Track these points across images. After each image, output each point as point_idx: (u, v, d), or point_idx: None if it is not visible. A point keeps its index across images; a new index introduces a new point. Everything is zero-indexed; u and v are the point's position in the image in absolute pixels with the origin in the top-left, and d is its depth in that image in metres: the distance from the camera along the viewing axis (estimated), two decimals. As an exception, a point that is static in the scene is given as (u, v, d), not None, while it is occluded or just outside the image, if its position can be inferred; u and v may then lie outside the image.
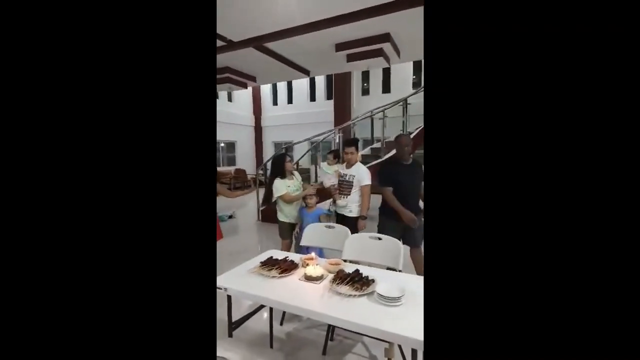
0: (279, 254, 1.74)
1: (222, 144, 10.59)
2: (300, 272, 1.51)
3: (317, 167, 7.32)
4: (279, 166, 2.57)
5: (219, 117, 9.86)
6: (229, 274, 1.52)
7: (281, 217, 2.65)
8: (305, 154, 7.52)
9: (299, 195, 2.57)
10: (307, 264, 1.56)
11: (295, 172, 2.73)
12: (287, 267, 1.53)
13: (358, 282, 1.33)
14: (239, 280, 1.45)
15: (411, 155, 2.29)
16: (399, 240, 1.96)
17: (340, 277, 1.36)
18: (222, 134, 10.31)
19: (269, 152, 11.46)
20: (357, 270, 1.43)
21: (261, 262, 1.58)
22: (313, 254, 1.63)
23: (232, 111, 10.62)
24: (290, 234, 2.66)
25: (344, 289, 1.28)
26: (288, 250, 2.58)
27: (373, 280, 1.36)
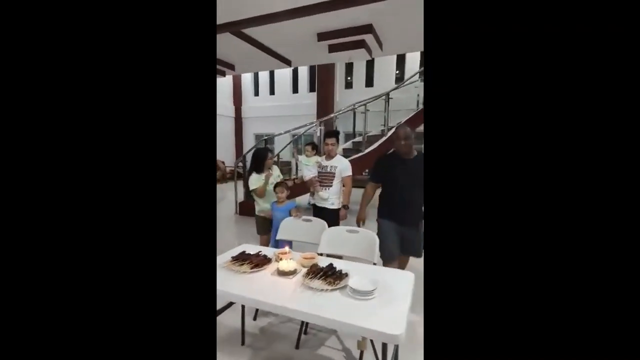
0: (253, 249, 1.68)
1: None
2: (273, 267, 1.46)
3: (297, 160, 7.27)
4: (259, 161, 2.50)
5: (197, 106, 9.47)
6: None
7: (257, 212, 2.59)
8: (286, 146, 7.42)
9: (266, 188, 2.51)
10: (281, 259, 1.52)
11: (274, 167, 2.65)
12: (259, 262, 1.47)
13: (331, 276, 1.30)
14: (208, 275, 1.38)
15: (416, 151, 1.91)
16: (398, 246, 1.96)
17: (314, 272, 1.33)
18: (201, 124, 9.93)
19: (249, 144, 11.22)
20: (330, 265, 1.40)
21: (232, 257, 1.52)
22: (287, 248, 1.59)
23: (212, 100, 10.24)
24: (267, 229, 2.60)
25: (317, 283, 1.25)
26: (266, 245, 2.52)
27: (346, 274, 1.34)
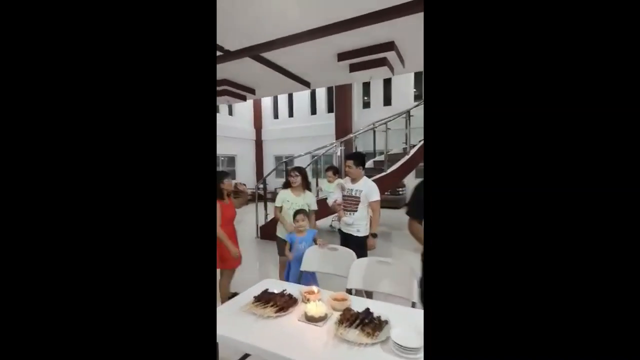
0: (276, 285, 1.51)
1: (223, 158, 10.46)
2: (299, 309, 1.28)
3: (318, 181, 7.17)
4: (302, 178, 2.47)
5: (219, 131, 9.77)
6: (219, 313, 1.30)
7: (278, 232, 2.47)
8: (306, 168, 7.36)
9: (285, 220, 2.40)
10: (308, 300, 1.34)
11: (307, 192, 2.52)
12: (284, 304, 1.30)
13: (369, 324, 1.10)
14: (229, 321, 1.22)
15: None
16: None
17: (348, 319, 1.14)
18: (223, 148, 10.20)
19: (269, 166, 11.33)
20: (367, 310, 1.20)
21: (255, 297, 1.36)
22: (315, 288, 1.41)
23: (233, 125, 10.55)
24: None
25: (353, 335, 1.06)
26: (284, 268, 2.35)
27: (386, 322, 1.13)
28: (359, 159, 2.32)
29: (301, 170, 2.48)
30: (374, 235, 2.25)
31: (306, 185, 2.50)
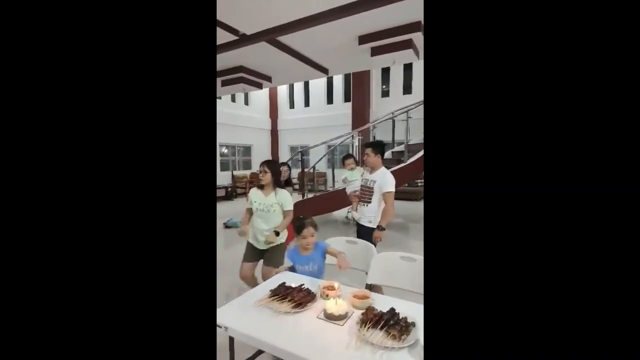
0: (293, 279, 1.44)
1: (239, 148, 10.52)
2: (318, 306, 1.21)
3: (334, 172, 7.06)
4: (272, 174, 2.12)
5: (236, 121, 9.81)
6: (233, 307, 1.24)
7: (250, 237, 2.16)
8: (321, 158, 7.26)
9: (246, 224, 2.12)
10: (327, 296, 1.26)
11: (280, 190, 2.14)
12: (302, 299, 1.23)
13: (394, 326, 1.01)
14: (244, 316, 1.16)
15: None
16: None
17: (371, 319, 1.05)
18: (239, 138, 10.24)
19: (284, 157, 11.31)
20: (392, 310, 1.11)
21: (271, 291, 1.29)
22: (335, 283, 1.33)
23: (249, 114, 10.54)
24: (254, 256, 2.19)
25: (378, 336, 0.97)
26: (248, 276, 2.13)
27: (413, 324, 1.04)
28: (378, 147, 2.23)
29: (270, 165, 2.11)
30: (381, 229, 2.13)
31: (278, 183, 2.14)
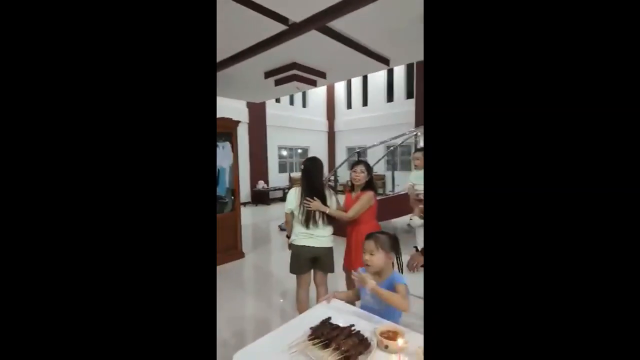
0: (342, 313, 1.11)
1: (297, 150, 10.64)
2: (375, 358, 0.86)
3: (394, 174, 6.51)
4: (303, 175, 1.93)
5: (294, 124, 9.94)
6: (258, 349, 0.97)
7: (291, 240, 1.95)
8: (380, 160, 6.77)
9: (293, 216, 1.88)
10: (387, 347, 0.90)
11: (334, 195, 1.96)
12: (351, 348, 0.89)
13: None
14: (272, 364, 0.88)
15: None
16: None
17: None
18: (297, 140, 10.35)
19: (341, 158, 11.07)
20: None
21: (311, 330, 0.99)
22: (399, 328, 0.96)
23: (306, 117, 10.58)
24: (306, 266, 1.92)
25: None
26: (305, 288, 1.87)
27: None
28: None
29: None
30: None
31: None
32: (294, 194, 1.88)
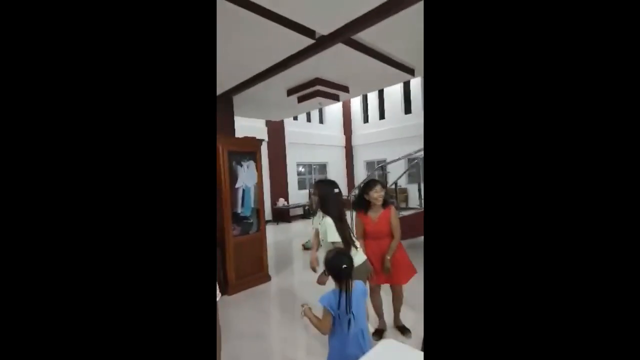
0: (397, 355, 0.94)
1: (315, 166, 10.60)
2: None
3: (421, 187, 6.27)
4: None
5: (312, 140, 9.94)
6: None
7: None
8: (404, 173, 6.57)
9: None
10: None
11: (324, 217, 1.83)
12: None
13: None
14: None
15: None
16: None
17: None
18: (315, 156, 10.33)
19: (359, 172, 10.89)
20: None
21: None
22: None
23: (324, 132, 10.59)
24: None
25: None
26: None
27: None
28: None
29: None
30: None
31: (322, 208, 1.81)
32: (332, 226, 1.74)
